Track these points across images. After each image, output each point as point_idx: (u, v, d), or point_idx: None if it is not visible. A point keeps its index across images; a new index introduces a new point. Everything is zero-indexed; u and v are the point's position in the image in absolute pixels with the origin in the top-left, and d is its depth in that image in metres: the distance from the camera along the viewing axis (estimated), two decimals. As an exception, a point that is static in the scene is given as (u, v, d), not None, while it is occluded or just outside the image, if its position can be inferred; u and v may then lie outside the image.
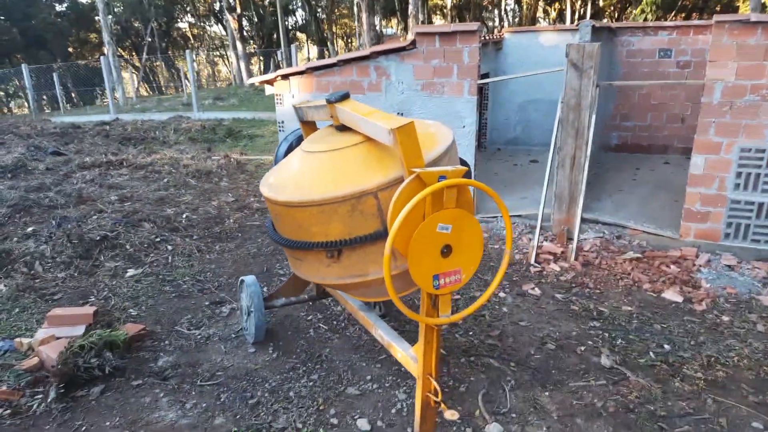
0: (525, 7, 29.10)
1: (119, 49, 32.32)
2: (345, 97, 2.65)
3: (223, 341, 3.67)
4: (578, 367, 3.31)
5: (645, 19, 14.69)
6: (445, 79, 5.69)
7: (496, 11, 35.89)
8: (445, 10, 34.02)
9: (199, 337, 3.73)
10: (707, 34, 7.74)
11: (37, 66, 20.76)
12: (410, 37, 5.75)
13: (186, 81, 23.54)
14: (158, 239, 5.41)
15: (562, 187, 5.46)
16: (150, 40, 33.50)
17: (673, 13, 19.28)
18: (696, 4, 20.48)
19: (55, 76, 19.12)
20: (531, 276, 4.64)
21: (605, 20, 25.50)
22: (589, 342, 3.59)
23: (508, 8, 35.75)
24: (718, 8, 20.34)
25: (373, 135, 2.38)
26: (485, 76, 9.05)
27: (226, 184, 7.76)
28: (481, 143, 9.53)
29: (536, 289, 4.36)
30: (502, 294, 4.28)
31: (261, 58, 33.79)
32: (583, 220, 5.58)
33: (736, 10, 19.88)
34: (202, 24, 41.01)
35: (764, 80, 4.44)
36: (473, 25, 5.43)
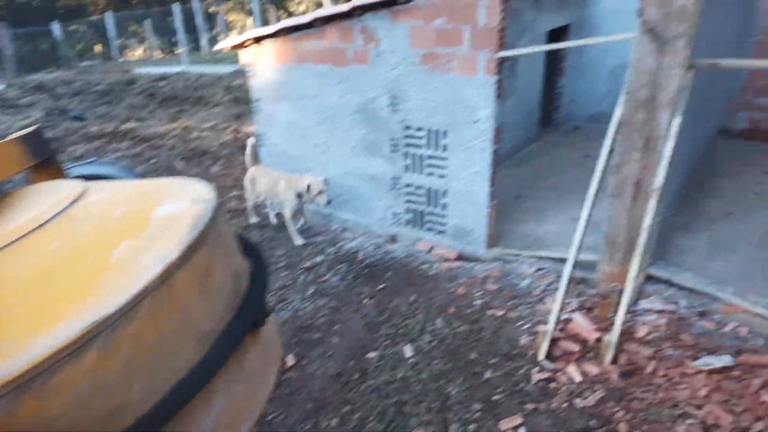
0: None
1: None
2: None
3: None
4: None
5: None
6: (451, 48, 3.82)
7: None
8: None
9: None
10: None
11: (124, 12, 20.56)
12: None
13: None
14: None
15: (617, 226, 3.49)
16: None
17: None
18: None
19: (177, 19, 17.19)
20: (528, 391, 2.88)
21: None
22: None
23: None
24: None
25: None
26: (562, 30, 6.75)
27: (218, 170, 6.56)
28: (552, 120, 7.35)
29: (521, 430, 2.62)
30: None
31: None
32: (648, 278, 3.59)
33: None
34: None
35: None
36: (491, -35, 3.46)
